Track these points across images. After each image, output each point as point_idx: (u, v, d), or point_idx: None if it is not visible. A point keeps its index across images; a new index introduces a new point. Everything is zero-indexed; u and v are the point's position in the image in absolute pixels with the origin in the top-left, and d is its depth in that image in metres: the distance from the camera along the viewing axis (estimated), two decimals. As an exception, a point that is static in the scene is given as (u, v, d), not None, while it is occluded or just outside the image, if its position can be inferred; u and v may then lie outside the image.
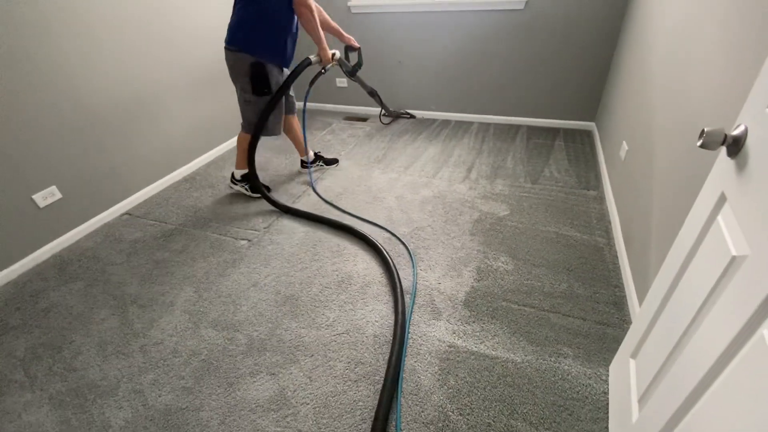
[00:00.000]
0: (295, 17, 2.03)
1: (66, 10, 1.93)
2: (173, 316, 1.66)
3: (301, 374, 1.39)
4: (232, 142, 3.16)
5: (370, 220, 2.16)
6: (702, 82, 1.24)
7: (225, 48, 2.03)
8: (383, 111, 3.40)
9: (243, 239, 2.08)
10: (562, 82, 2.95)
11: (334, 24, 2.36)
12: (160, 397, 1.35)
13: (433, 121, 3.43)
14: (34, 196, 1.94)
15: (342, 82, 3.62)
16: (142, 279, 1.86)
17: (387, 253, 1.84)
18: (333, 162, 2.80)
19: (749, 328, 0.58)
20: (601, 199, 2.22)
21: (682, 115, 1.35)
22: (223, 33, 2.04)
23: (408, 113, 3.55)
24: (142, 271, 1.91)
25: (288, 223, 2.18)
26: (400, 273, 1.76)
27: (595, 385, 1.29)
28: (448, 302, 1.63)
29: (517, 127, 3.18)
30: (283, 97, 2.16)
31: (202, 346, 1.51)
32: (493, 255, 1.86)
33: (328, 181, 2.58)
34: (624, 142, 2.00)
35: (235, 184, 2.47)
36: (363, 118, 3.59)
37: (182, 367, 1.44)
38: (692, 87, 1.31)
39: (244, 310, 1.66)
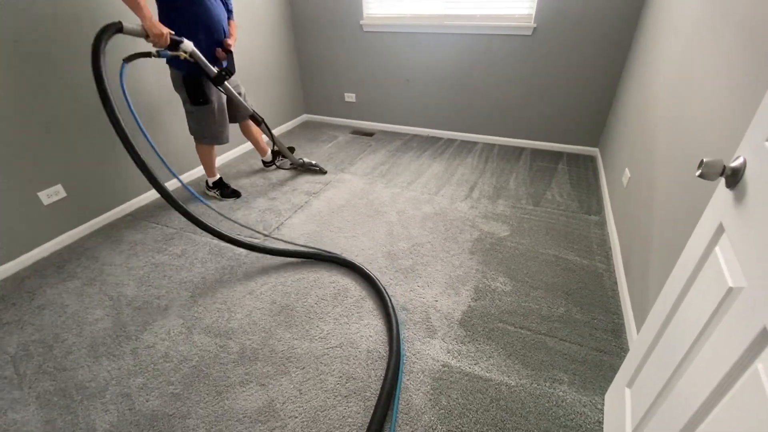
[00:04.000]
0: (187, 26, 1.93)
1: (85, 12, 1.99)
2: (167, 320, 1.65)
3: (292, 386, 1.37)
4: (239, 150, 3.20)
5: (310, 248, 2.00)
6: (704, 112, 1.25)
7: None
8: (277, 150, 2.81)
9: (242, 246, 2.08)
10: (567, 107, 2.98)
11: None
12: (147, 401, 1.33)
13: (438, 139, 3.46)
14: (39, 194, 1.96)
15: (350, 96, 3.67)
16: (140, 281, 1.86)
17: (371, 272, 1.83)
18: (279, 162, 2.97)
19: (744, 362, 0.58)
20: (602, 224, 2.21)
21: (684, 144, 1.36)
22: None
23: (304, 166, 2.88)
24: (140, 273, 1.91)
25: (288, 232, 2.19)
26: (389, 290, 1.75)
27: (590, 413, 1.27)
28: (444, 320, 1.61)
29: (521, 149, 3.20)
30: (219, 104, 2.22)
31: (193, 352, 1.50)
32: (491, 275, 1.85)
33: (331, 193, 2.59)
34: (626, 168, 2.01)
35: (209, 191, 2.60)
36: (369, 133, 3.63)
37: (172, 372, 1.43)
38: (694, 117, 1.32)
39: (239, 317, 1.65)
